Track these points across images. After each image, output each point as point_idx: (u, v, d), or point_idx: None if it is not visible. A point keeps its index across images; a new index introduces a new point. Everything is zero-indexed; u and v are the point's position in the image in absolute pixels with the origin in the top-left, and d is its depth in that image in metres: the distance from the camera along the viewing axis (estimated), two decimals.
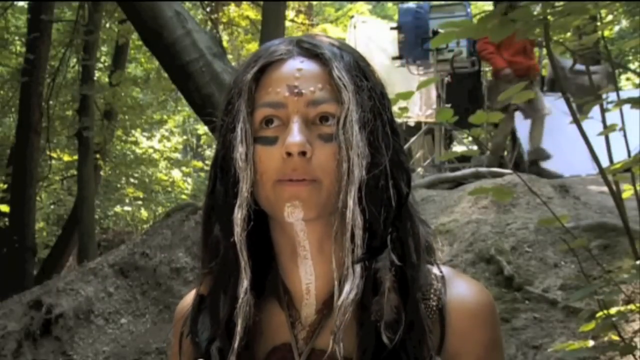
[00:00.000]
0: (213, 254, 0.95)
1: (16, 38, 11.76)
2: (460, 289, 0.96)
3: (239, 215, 0.91)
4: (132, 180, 13.90)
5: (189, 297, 1.03)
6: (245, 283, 0.91)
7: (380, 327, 0.87)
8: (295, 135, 0.88)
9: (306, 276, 0.95)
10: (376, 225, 0.90)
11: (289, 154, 0.88)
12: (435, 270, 0.97)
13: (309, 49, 0.94)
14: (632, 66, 13.55)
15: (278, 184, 0.90)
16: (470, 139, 9.04)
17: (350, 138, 0.88)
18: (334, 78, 0.90)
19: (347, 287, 0.88)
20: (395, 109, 1.09)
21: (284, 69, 0.92)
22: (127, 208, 15.09)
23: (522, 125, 8.03)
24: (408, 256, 0.92)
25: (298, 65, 0.92)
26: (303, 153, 0.88)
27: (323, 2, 16.61)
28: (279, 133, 0.91)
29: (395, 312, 0.88)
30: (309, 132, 0.90)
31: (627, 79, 12.56)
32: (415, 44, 8.66)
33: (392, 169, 0.91)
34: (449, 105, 7.34)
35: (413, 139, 8.73)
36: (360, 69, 0.94)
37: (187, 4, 10.39)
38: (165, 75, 7.58)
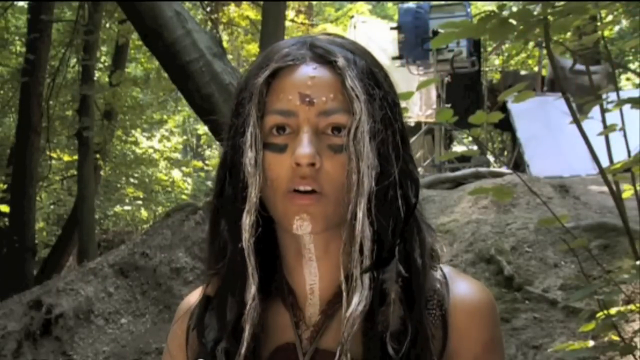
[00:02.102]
0: (220, 255, 0.95)
1: (16, 38, 11.76)
2: (461, 288, 0.96)
3: (247, 221, 0.91)
4: (132, 180, 13.90)
5: (193, 296, 1.04)
6: (253, 289, 0.91)
7: (386, 338, 0.88)
8: (305, 147, 0.87)
9: (310, 277, 0.95)
10: (385, 236, 0.90)
11: (298, 164, 0.88)
12: (438, 274, 0.97)
13: (322, 55, 0.92)
14: (632, 66, 13.56)
15: (288, 195, 0.89)
16: (470, 139, 9.04)
17: (361, 149, 0.88)
18: (347, 88, 0.89)
19: (355, 299, 0.88)
20: None
21: (296, 76, 0.91)
22: (127, 208, 15.08)
23: (522, 125, 8.04)
24: (414, 266, 0.92)
25: (311, 73, 0.91)
26: (312, 164, 0.88)
27: (323, 2, 16.61)
28: (289, 141, 0.90)
29: (401, 323, 0.89)
30: (319, 141, 0.89)
31: (627, 79, 12.56)
32: (415, 44, 8.67)
33: (401, 179, 0.91)
34: (449, 105, 7.34)
35: (413, 139, 8.73)
36: (373, 75, 0.92)
37: (187, 4, 10.38)
38: (165, 75, 7.58)
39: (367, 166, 0.88)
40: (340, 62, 0.90)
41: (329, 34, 0.98)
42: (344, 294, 0.90)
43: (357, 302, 0.88)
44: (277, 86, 0.91)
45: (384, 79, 0.94)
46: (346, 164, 0.89)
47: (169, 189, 15.49)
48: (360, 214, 0.88)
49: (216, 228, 0.96)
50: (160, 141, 15.94)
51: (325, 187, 0.89)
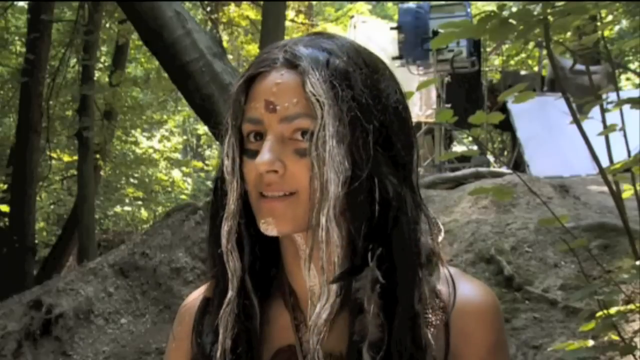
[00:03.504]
0: (213, 260, 0.97)
1: (16, 38, 11.76)
2: (465, 291, 0.95)
3: (225, 228, 0.92)
4: (132, 180, 13.89)
5: (194, 296, 1.04)
6: (229, 293, 0.92)
7: (362, 347, 0.87)
8: (264, 154, 0.88)
9: (310, 279, 0.95)
10: (356, 242, 0.89)
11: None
12: (441, 276, 0.95)
13: (289, 60, 0.91)
14: (632, 66, 13.55)
15: (259, 198, 0.91)
16: (470, 139, 9.04)
17: (323, 154, 0.86)
18: (306, 92, 0.88)
19: (318, 307, 0.89)
20: None
21: (264, 83, 0.91)
22: (127, 208, 15.09)
23: (522, 125, 8.04)
24: (398, 274, 0.89)
25: (277, 79, 0.90)
26: (274, 171, 0.88)
27: (323, 2, 16.61)
28: (259, 147, 0.90)
29: (380, 331, 0.87)
30: (284, 147, 0.89)
31: (627, 79, 12.57)
32: (415, 44, 8.66)
33: (377, 182, 0.89)
34: (449, 105, 7.35)
35: None
36: (346, 76, 0.89)
37: (187, 4, 10.38)
38: (165, 75, 7.58)
39: (332, 171, 0.86)
40: (303, 65, 0.89)
41: (324, 34, 0.97)
42: (309, 301, 0.92)
43: (319, 311, 0.89)
44: (250, 93, 0.92)
45: (361, 79, 0.90)
46: (310, 168, 0.88)
47: (169, 189, 15.49)
48: (323, 220, 0.87)
49: (212, 232, 0.97)
50: (160, 141, 15.93)
51: (294, 188, 0.89)
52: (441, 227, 0.98)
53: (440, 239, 0.97)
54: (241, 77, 0.93)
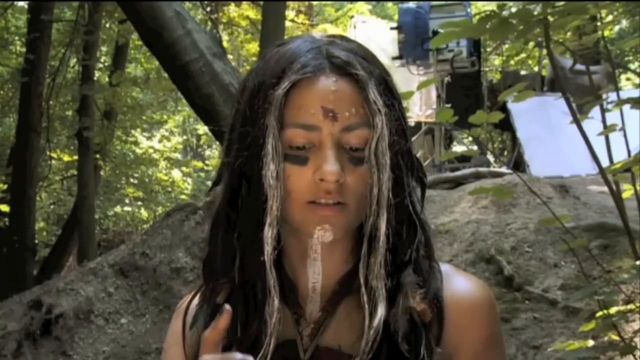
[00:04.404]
0: (231, 264, 0.94)
1: (16, 38, 11.77)
2: (460, 285, 0.97)
3: (269, 234, 0.90)
4: (132, 180, 13.89)
5: (189, 299, 1.03)
6: (275, 302, 0.91)
7: (398, 339, 0.89)
8: (332, 164, 0.88)
9: (314, 276, 0.96)
10: (400, 245, 0.92)
11: (322, 179, 0.89)
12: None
13: (342, 67, 0.91)
14: (632, 66, 13.55)
15: (309, 205, 0.90)
16: (470, 139, 9.04)
17: (383, 163, 0.89)
18: (370, 102, 0.89)
19: (379, 311, 0.89)
20: None
21: (317, 88, 0.90)
22: (127, 208, 15.09)
23: (522, 125, 8.04)
24: (423, 269, 0.94)
25: (332, 86, 0.90)
26: (337, 180, 0.89)
27: (323, 2, 16.61)
28: (310, 154, 0.89)
29: (411, 324, 0.90)
30: (341, 155, 0.90)
31: (627, 79, 12.56)
32: (415, 44, 8.66)
33: (409, 185, 0.93)
34: (449, 105, 7.35)
35: (413, 139, 8.73)
36: (387, 85, 0.93)
37: (187, 4, 10.39)
38: (165, 75, 7.58)
39: (389, 179, 0.89)
40: (361, 75, 0.90)
41: (334, 36, 0.97)
42: (365, 305, 0.91)
43: (380, 314, 0.89)
44: (296, 98, 0.90)
45: (394, 86, 0.94)
46: (367, 176, 0.90)
47: (169, 189, 15.49)
48: (383, 226, 0.89)
49: (226, 235, 0.94)
50: (160, 141, 15.94)
51: (348, 199, 0.90)
52: (429, 221, 1.02)
53: (431, 228, 1.01)
54: (282, 80, 0.90)
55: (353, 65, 0.90)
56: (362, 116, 0.90)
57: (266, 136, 0.89)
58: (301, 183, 0.89)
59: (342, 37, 0.97)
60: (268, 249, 0.90)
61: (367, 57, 0.94)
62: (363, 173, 0.90)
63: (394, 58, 8.83)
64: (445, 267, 0.99)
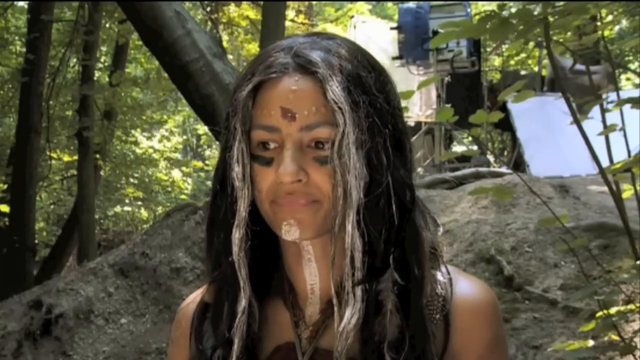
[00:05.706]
0: (215, 264, 0.96)
1: (16, 38, 11.76)
2: (464, 288, 0.96)
3: (236, 235, 0.91)
4: (132, 180, 13.90)
5: (191, 300, 1.04)
6: (243, 302, 0.92)
7: (383, 348, 0.87)
8: (288, 165, 0.87)
9: (311, 277, 0.96)
10: (377, 246, 0.89)
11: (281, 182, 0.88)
12: (440, 274, 0.96)
13: (304, 65, 0.89)
14: (632, 66, 13.56)
15: (273, 205, 0.90)
16: (470, 139, 9.04)
17: (347, 161, 0.86)
18: (328, 100, 0.86)
19: (348, 313, 0.88)
20: None
21: (278, 89, 0.89)
22: (127, 208, 15.09)
23: (522, 125, 8.04)
24: (412, 273, 0.91)
25: (292, 86, 0.88)
26: (298, 180, 0.87)
27: (323, 2, 16.62)
28: (275, 154, 0.89)
29: (399, 332, 0.88)
30: (304, 155, 0.88)
31: (627, 79, 12.57)
32: (415, 44, 8.67)
33: (394, 186, 0.89)
34: (449, 105, 7.34)
35: (413, 139, 8.73)
36: (360, 81, 0.89)
37: (187, 4, 10.39)
38: (165, 75, 7.58)
39: (354, 178, 0.86)
40: (321, 72, 0.87)
41: (322, 34, 0.96)
42: (335, 307, 0.90)
43: (349, 316, 0.88)
44: (261, 99, 0.90)
45: (373, 83, 0.90)
46: (332, 176, 0.88)
47: (169, 189, 15.49)
48: (349, 227, 0.87)
49: (211, 237, 0.96)
50: (160, 141, 15.94)
51: (316, 196, 0.88)
52: (438, 221, 0.99)
53: (439, 232, 0.98)
54: (247, 82, 0.90)
55: (314, 63, 0.88)
56: (324, 114, 0.87)
57: (233, 139, 0.90)
58: (266, 183, 0.89)
59: (329, 36, 0.95)
60: (235, 249, 0.91)
61: (341, 53, 0.91)
62: (330, 172, 0.88)
63: (394, 58, 8.84)
64: (449, 269, 0.98)
